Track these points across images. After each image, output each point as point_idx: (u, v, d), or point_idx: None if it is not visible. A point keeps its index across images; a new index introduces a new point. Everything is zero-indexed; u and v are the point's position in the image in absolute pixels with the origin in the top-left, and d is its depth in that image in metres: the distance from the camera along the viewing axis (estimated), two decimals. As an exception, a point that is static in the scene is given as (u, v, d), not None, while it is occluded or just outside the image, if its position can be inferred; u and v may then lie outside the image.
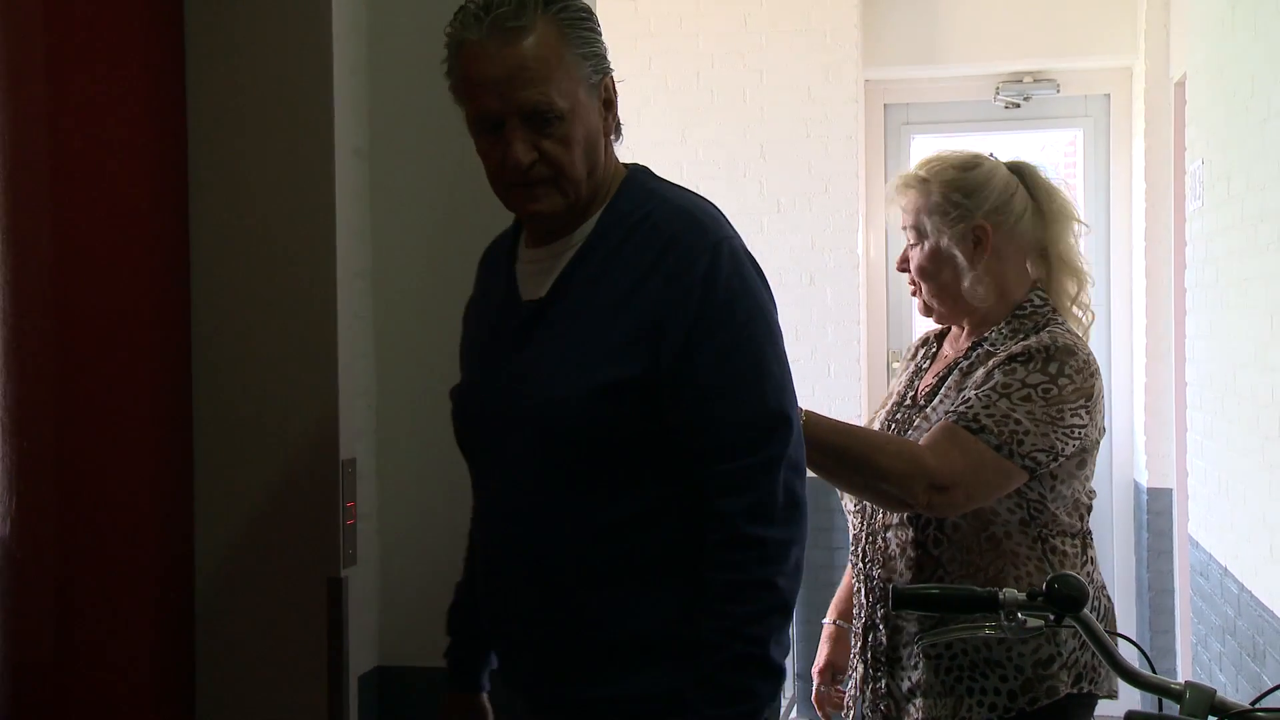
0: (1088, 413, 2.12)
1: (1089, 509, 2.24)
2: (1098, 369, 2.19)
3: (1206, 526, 3.99)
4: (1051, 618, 1.71)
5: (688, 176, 5.48)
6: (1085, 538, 2.23)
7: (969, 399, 2.11)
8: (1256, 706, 1.56)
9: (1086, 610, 1.71)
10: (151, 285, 1.99)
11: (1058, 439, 2.09)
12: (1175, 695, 1.59)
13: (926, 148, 5.70)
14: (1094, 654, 2.13)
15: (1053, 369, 2.10)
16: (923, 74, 5.52)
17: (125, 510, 1.93)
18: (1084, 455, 2.16)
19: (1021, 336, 2.18)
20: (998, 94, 5.46)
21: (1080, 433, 2.11)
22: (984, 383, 2.12)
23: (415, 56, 2.14)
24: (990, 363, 2.17)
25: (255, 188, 2.03)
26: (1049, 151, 5.83)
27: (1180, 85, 4.62)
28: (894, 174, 5.56)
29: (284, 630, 2.03)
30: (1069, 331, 2.21)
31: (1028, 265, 2.27)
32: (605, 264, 1.70)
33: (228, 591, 2.04)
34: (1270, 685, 3.22)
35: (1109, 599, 2.25)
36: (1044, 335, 2.16)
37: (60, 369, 1.80)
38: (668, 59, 5.33)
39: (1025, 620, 1.74)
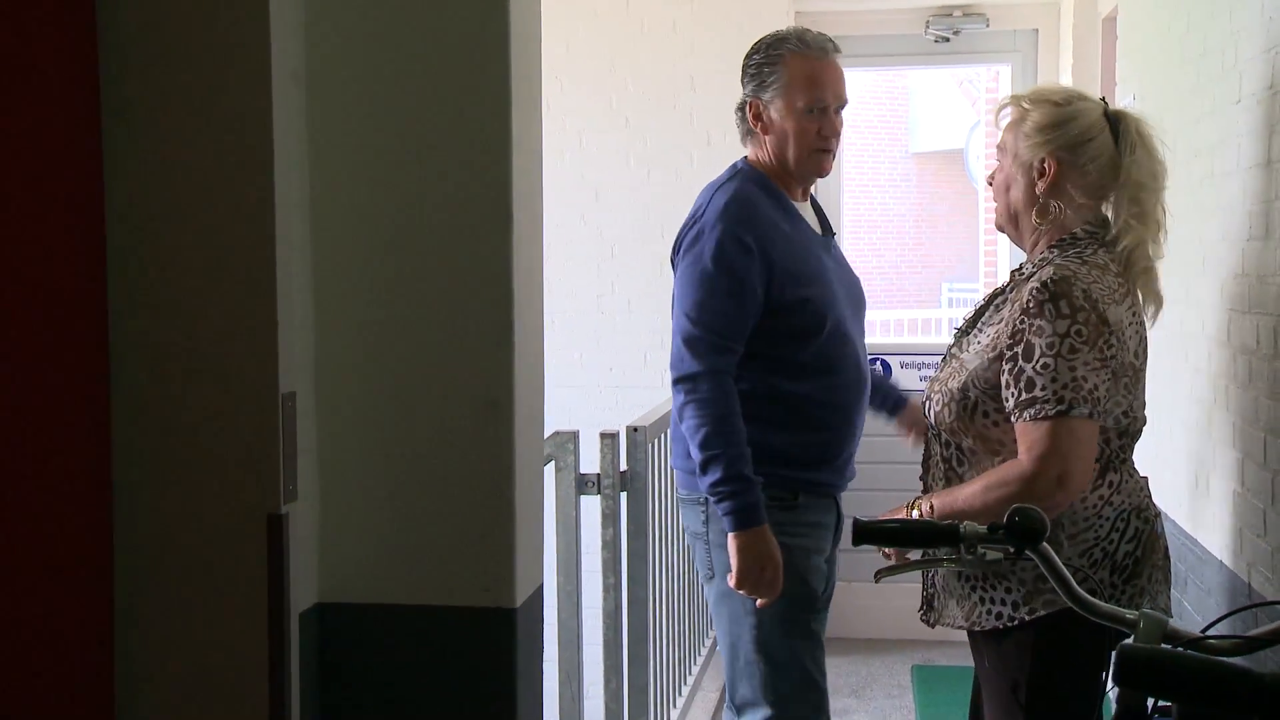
0: (1115, 337, 2.22)
1: (1123, 432, 2.33)
2: (1103, 294, 2.26)
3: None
4: (1011, 550, 1.73)
5: (617, 108, 5.43)
6: (1109, 461, 2.31)
7: (1033, 382, 2.19)
8: (1207, 634, 1.59)
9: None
10: (62, 209, 1.89)
11: (1094, 375, 2.20)
12: (1130, 624, 1.61)
13: (856, 81, 5.69)
14: (1109, 571, 2.29)
15: (1063, 307, 2.19)
16: (854, 6, 5.50)
17: (30, 441, 1.86)
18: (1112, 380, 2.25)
19: (1044, 266, 2.29)
20: (928, 28, 5.46)
21: (1113, 361, 2.23)
22: (1019, 352, 2.22)
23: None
24: (1008, 316, 2.28)
25: (181, 113, 1.93)
26: (975, 83, 5.84)
27: (1110, 20, 4.63)
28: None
29: (222, 568, 1.97)
30: (1069, 263, 2.28)
31: (1103, 207, 2.40)
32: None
33: (160, 531, 1.98)
34: (1191, 610, 3.30)
35: (1142, 521, 2.33)
36: (1041, 272, 2.27)
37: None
38: (597, -13, 5.24)
39: (984, 554, 1.76)
